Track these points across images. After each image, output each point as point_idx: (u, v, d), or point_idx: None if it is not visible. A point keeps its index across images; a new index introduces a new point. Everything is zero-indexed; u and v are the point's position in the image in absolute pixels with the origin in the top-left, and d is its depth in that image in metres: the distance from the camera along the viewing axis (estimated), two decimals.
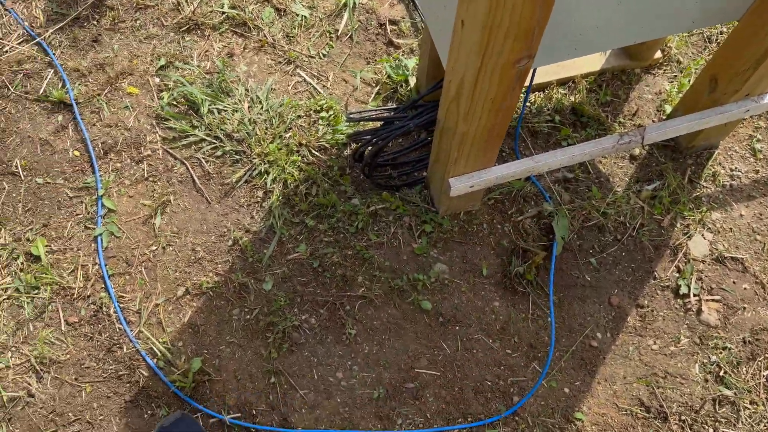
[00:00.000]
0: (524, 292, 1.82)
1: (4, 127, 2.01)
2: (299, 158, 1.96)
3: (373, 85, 2.14)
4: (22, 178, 1.93)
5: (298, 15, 2.24)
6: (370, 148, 1.83)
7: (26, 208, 1.89)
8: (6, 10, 2.22)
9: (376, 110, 1.97)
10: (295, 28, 2.21)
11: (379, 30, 2.24)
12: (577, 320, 1.80)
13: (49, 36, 2.16)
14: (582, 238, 1.91)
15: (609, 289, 1.85)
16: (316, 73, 2.15)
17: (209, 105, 2.02)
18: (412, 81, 2.09)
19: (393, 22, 2.24)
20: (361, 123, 1.98)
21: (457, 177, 1.67)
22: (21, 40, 2.17)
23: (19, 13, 2.21)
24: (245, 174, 1.94)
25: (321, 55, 2.19)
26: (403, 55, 2.18)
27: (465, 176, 1.67)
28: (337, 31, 2.23)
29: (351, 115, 1.91)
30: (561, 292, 1.83)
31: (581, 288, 1.85)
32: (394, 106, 2.05)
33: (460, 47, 1.30)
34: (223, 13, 2.22)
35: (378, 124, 1.91)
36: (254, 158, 1.95)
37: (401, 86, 2.10)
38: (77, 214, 1.88)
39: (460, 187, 1.66)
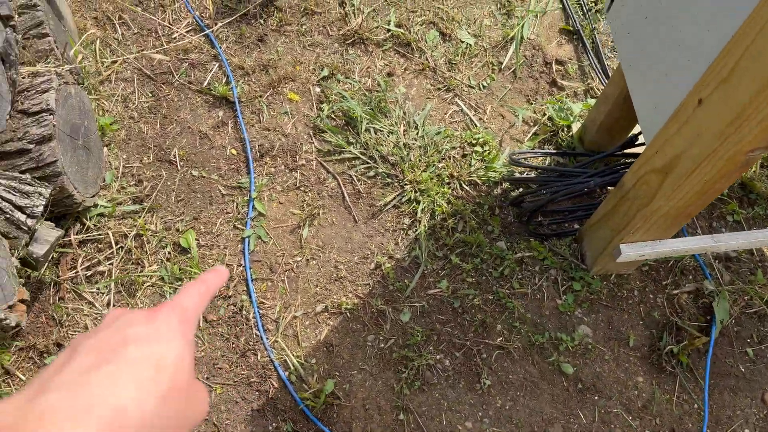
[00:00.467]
0: (672, 371, 1.72)
1: (166, 113, 2.05)
2: (449, 191, 1.92)
3: (531, 124, 2.08)
4: (179, 168, 1.96)
5: (462, 42, 2.19)
6: (533, 196, 1.77)
7: (179, 199, 1.92)
8: None
9: (541, 152, 1.90)
10: (458, 56, 2.17)
11: (544, 68, 2.17)
12: (725, 412, 1.69)
13: (217, 29, 2.19)
14: (740, 325, 1.79)
15: (763, 384, 1.72)
16: (474, 104, 2.10)
17: (367, 123, 2.00)
18: (575, 127, 2.01)
19: (560, 62, 2.17)
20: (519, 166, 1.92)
21: (628, 244, 1.58)
22: (189, 29, 2.21)
23: (191, 1, 2.26)
24: (394, 198, 1.91)
25: (481, 86, 2.14)
26: (567, 97, 2.11)
27: (638, 244, 1.58)
28: (501, 63, 2.17)
29: (515, 158, 1.85)
30: (711, 378, 1.72)
31: (734, 378, 1.73)
32: (556, 150, 1.98)
33: (686, 125, 1.22)
34: (388, 30, 2.20)
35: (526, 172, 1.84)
36: (405, 184, 1.92)
37: (562, 131, 2.02)
38: (227, 212, 1.90)
39: (631, 254, 1.57)
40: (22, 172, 1.58)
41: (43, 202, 1.48)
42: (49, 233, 1.57)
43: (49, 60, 1.84)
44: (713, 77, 1.11)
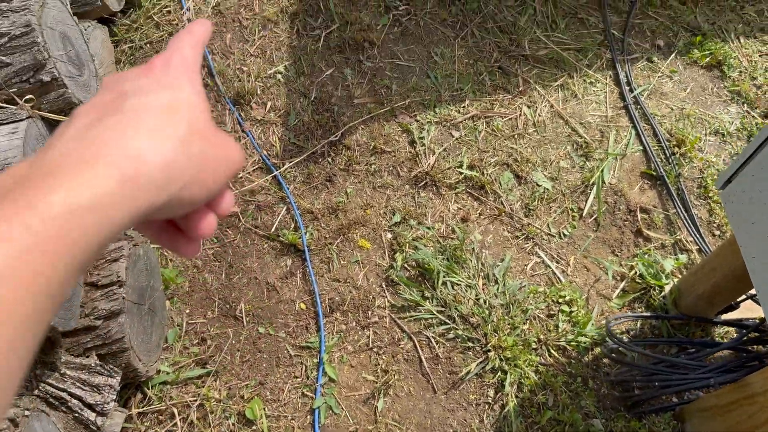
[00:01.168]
0: None
1: (232, 261, 1.95)
2: (537, 358, 1.77)
3: (619, 279, 1.94)
4: (245, 324, 1.84)
5: (539, 186, 2.09)
6: (640, 383, 1.62)
7: (244, 359, 1.79)
8: (244, 132, 2.21)
9: (636, 316, 1.76)
10: (535, 200, 2.06)
11: (628, 217, 2.05)
12: None
13: (285, 169, 2.12)
14: None
15: None
16: (555, 255, 1.98)
17: (443, 276, 1.88)
18: (668, 287, 1.87)
19: (644, 210, 2.05)
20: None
21: None
22: (256, 167, 2.14)
23: (257, 137, 2.20)
24: (478, 367, 1.76)
25: (562, 234, 2.02)
26: (655, 249, 1.98)
27: None
28: (581, 210, 2.06)
29: (614, 345, 1.71)
30: None
31: None
32: (651, 313, 1.83)
33: None
34: (461, 172, 2.11)
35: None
36: (489, 350, 1.77)
37: (653, 289, 1.89)
38: (296, 377, 1.76)
39: None
40: (87, 350, 1.46)
41: (114, 396, 1.34)
42: (114, 422, 1.43)
43: None
44: None
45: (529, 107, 2.27)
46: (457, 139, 2.20)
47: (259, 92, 2.28)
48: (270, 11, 2.48)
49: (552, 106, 2.27)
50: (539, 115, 2.25)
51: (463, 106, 2.26)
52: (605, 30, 2.45)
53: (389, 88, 2.31)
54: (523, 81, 2.32)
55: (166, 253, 1.92)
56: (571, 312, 1.85)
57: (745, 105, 2.28)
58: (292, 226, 2.01)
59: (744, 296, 1.73)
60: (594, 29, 2.47)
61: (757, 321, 1.64)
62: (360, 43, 2.40)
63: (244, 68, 2.34)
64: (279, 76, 2.33)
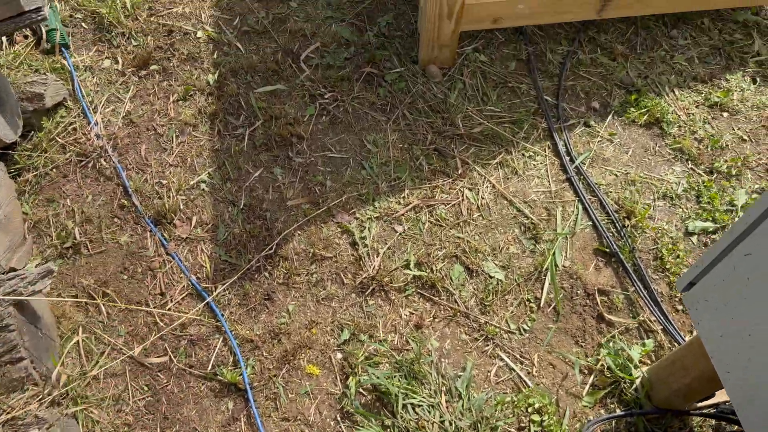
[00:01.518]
0: None
1: (167, 412, 1.75)
2: None
3: (587, 373, 1.83)
4: None
5: (492, 277, 1.98)
6: None
7: None
8: (168, 254, 2.03)
9: (609, 417, 1.63)
10: (489, 294, 1.94)
11: (587, 301, 1.95)
12: None
13: (217, 293, 1.94)
14: None
15: None
16: (518, 355, 1.85)
17: (403, 399, 1.72)
18: (639, 378, 1.76)
19: (603, 293, 1.95)
20: None
21: None
22: (185, 294, 1.95)
23: (183, 259, 2.02)
24: None
25: (522, 330, 1.90)
26: (620, 335, 1.87)
27: None
28: (539, 300, 1.95)
29: None
30: None
31: None
32: (625, 411, 1.72)
33: None
34: (409, 272, 1.97)
35: None
36: None
37: (625, 383, 1.77)
38: None
39: None
40: None
41: None
42: None
43: (26, 388, 1.54)
44: None
45: (470, 190, 2.16)
46: (400, 234, 2.06)
47: (182, 207, 2.11)
48: (187, 114, 2.32)
49: (494, 187, 2.17)
50: (482, 198, 2.14)
51: (403, 197, 2.14)
52: (538, 97, 2.38)
53: (323, 185, 2.16)
54: (462, 162, 2.22)
55: (90, 413, 1.71)
56: (542, 422, 1.71)
57: (689, 162, 2.22)
58: (231, 360, 1.83)
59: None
60: (526, 97, 2.39)
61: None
62: (287, 138, 2.26)
63: (164, 181, 2.16)
64: (203, 185, 2.16)
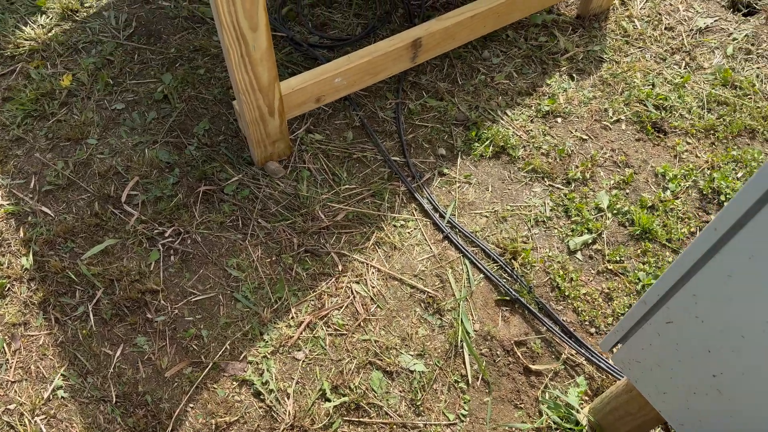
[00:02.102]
0: None
1: None
2: None
3: None
4: None
5: (413, 371, 1.86)
6: None
7: None
8: None
9: None
10: (416, 392, 1.82)
11: (509, 358, 1.90)
12: None
13: None
14: None
15: None
16: None
17: None
18: (584, 419, 1.75)
19: (520, 344, 1.92)
20: None
21: None
22: None
23: None
24: None
25: (461, 416, 1.81)
26: (552, 383, 1.85)
27: None
28: (465, 377, 1.86)
29: None
30: None
31: None
32: None
33: None
34: (329, 401, 1.80)
35: None
36: None
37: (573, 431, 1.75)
38: None
39: None
40: None
41: None
42: None
43: None
44: None
45: (357, 283, 2.02)
46: (304, 361, 1.88)
47: (45, 430, 1.75)
48: (10, 313, 1.94)
49: (379, 270, 2.05)
50: (372, 287, 2.02)
51: (292, 317, 1.95)
52: (386, 160, 2.30)
53: (200, 338, 1.91)
54: (338, 256, 2.07)
55: None
56: None
57: (545, 179, 2.26)
58: None
59: None
60: (375, 163, 2.30)
61: None
62: (139, 298, 1.97)
63: (11, 407, 1.78)
64: (60, 392, 1.82)
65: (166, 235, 2.11)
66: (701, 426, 1.21)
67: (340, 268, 2.05)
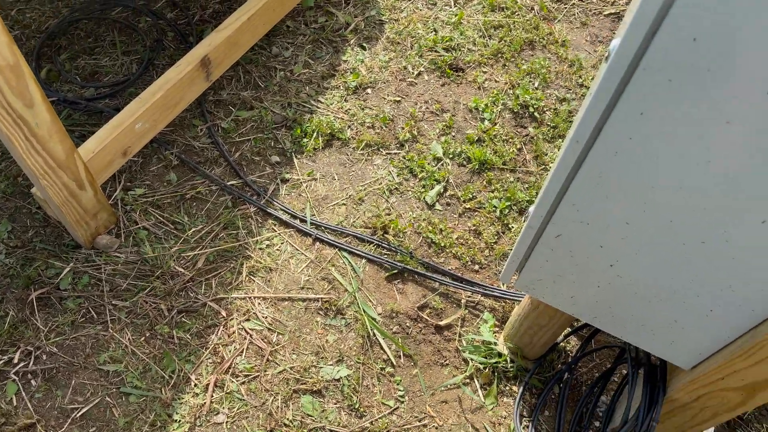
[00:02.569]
0: None
1: None
2: None
3: (472, 379, 1.85)
4: None
5: (338, 380, 1.82)
6: None
7: None
8: None
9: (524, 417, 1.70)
10: (349, 397, 1.79)
11: (419, 325, 1.94)
12: None
13: None
14: None
15: None
16: (417, 422, 1.78)
17: None
18: (504, 349, 1.85)
19: (423, 308, 1.96)
20: None
21: None
22: None
23: None
24: None
25: (399, 399, 1.82)
26: (464, 330, 1.93)
27: None
28: (388, 360, 1.87)
29: None
30: None
31: None
32: (524, 388, 1.79)
33: None
34: None
35: None
36: None
37: (501, 365, 1.85)
38: None
39: None
40: None
41: None
42: None
43: None
44: None
45: (248, 320, 1.92)
46: (227, 423, 1.75)
47: None
48: None
49: (264, 299, 1.96)
50: (265, 317, 1.92)
51: (195, 385, 1.80)
52: (222, 188, 2.17)
53: None
54: (215, 302, 1.94)
55: None
56: None
57: (381, 149, 2.30)
58: None
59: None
60: (213, 195, 2.16)
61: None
62: None
63: None
64: None
65: (15, 361, 1.81)
66: (612, 312, 1.34)
67: (223, 314, 1.92)
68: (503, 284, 2.00)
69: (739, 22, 0.76)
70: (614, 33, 2.68)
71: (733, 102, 0.84)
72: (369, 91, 2.47)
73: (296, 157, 2.28)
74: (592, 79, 2.51)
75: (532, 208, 1.25)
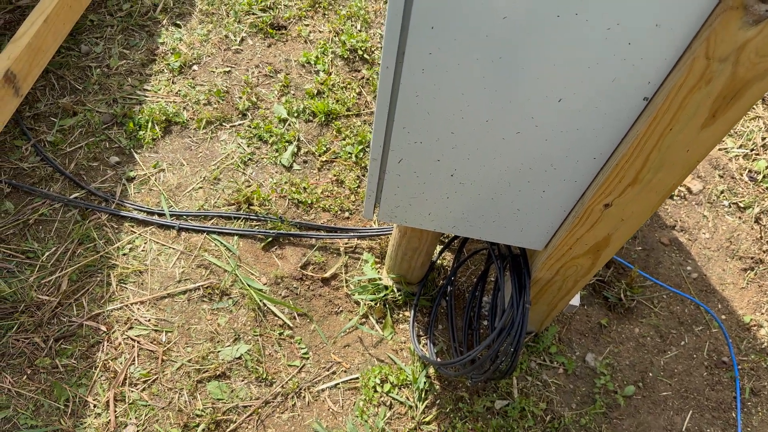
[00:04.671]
0: None
1: None
2: None
3: (367, 318, 1.94)
4: None
5: (240, 357, 1.83)
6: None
7: None
8: None
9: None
10: (254, 369, 1.81)
11: (308, 283, 1.98)
12: None
13: None
14: None
15: None
16: (326, 373, 1.84)
17: None
18: (388, 281, 1.95)
19: (305, 266, 2.00)
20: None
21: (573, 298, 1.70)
22: None
23: None
24: None
25: (303, 357, 1.86)
26: (348, 276, 1.99)
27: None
28: (285, 325, 1.90)
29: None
30: None
31: None
32: (414, 311, 1.91)
33: (599, 223, 1.31)
34: None
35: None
36: None
37: (387, 295, 1.94)
38: None
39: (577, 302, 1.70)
40: None
41: None
42: None
43: None
44: (616, 184, 1.20)
45: (132, 328, 1.86)
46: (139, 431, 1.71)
47: None
48: None
49: (142, 302, 1.90)
50: (148, 320, 1.87)
51: (95, 405, 1.73)
52: (65, 203, 2.04)
53: None
54: (92, 320, 1.85)
55: None
56: (396, 385, 1.81)
57: (224, 123, 2.26)
58: None
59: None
60: (58, 213, 2.03)
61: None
62: None
63: None
64: None
65: None
66: (466, 218, 1.45)
67: (103, 329, 1.84)
68: (370, 221, 2.08)
69: None
70: None
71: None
72: (195, 68, 2.40)
73: (136, 152, 2.18)
74: None
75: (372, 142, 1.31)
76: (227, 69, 2.40)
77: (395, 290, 1.95)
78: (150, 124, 2.22)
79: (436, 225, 1.51)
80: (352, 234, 2.05)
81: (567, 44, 0.98)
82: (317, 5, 2.59)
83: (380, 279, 1.96)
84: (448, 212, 1.45)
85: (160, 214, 2.05)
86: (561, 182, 1.28)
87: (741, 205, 2.25)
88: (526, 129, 1.16)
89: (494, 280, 1.99)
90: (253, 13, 2.54)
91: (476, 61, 1.03)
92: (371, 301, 1.95)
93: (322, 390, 1.82)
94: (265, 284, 1.96)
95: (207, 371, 1.80)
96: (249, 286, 1.94)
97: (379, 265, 2.02)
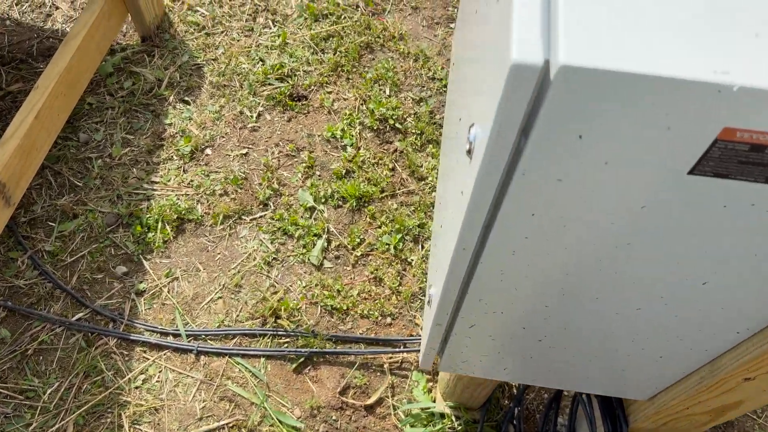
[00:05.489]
0: None
1: None
2: None
3: None
4: None
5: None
6: None
7: None
8: None
9: None
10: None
11: (346, 413, 1.69)
12: None
13: None
14: None
15: None
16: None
17: None
18: (443, 407, 1.65)
19: (344, 392, 1.71)
20: None
21: None
22: None
23: None
24: None
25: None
26: (396, 401, 1.70)
27: None
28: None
29: None
30: None
31: None
32: None
33: (733, 391, 1.01)
34: None
35: None
36: None
37: (454, 421, 1.65)
38: None
39: None
40: None
41: None
42: None
43: None
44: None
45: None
46: None
47: None
48: None
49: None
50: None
51: None
52: (66, 326, 1.79)
53: None
54: None
55: None
56: None
57: (244, 216, 1.99)
58: None
59: None
60: (60, 339, 1.78)
61: None
62: None
63: None
64: None
65: None
66: (552, 372, 1.16)
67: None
68: (426, 368, 1.79)
69: None
70: (447, 10, 2.49)
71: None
72: (208, 151, 2.13)
73: (146, 258, 1.92)
74: (442, 68, 2.31)
75: (432, 291, 1.03)
76: (244, 151, 2.13)
77: (453, 419, 1.65)
78: (160, 224, 1.96)
79: (513, 378, 1.22)
80: (398, 349, 1.76)
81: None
82: (340, 69, 2.31)
83: (434, 406, 1.67)
84: (529, 368, 1.16)
85: (176, 335, 1.78)
86: (686, 350, 0.98)
87: None
88: (649, 306, 0.86)
89: (572, 398, 1.69)
90: (270, 83, 2.27)
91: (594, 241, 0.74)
92: None
93: None
94: (299, 418, 1.68)
95: None
96: (280, 422, 1.65)
97: (431, 384, 1.73)
